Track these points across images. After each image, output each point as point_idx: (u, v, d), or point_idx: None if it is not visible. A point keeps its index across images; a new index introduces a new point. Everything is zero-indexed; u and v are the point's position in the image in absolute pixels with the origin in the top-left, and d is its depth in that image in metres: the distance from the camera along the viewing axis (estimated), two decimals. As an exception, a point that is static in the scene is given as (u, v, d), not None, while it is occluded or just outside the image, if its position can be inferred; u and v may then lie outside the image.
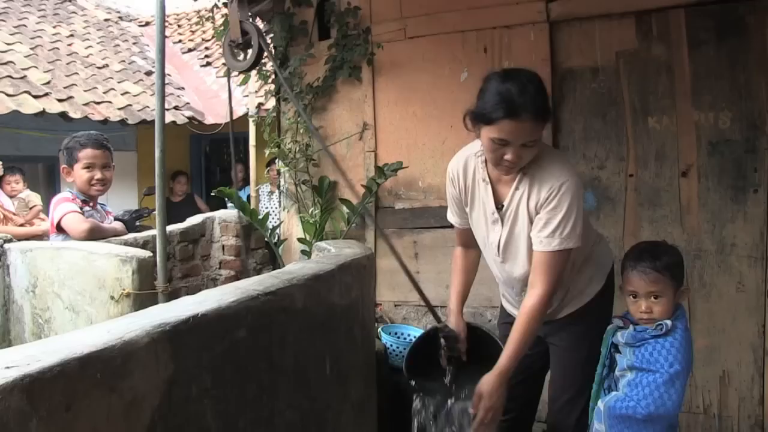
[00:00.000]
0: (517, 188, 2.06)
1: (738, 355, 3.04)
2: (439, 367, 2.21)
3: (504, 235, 2.13)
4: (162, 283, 2.47)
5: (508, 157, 1.93)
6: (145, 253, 2.41)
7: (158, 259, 2.52)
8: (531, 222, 2.06)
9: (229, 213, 3.90)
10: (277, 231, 3.83)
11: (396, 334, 3.30)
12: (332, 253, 2.01)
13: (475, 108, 1.96)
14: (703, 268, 3.05)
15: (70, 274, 2.49)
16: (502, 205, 2.11)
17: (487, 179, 2.12)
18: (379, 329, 3.22)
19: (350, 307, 1.83)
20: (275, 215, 4.94)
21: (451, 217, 2.35)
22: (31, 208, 5.21)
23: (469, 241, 2.32)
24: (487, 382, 1.99)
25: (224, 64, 3.42)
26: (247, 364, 1.35)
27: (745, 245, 2.99)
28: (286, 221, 3.86)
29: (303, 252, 3.48)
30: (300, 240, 3.59)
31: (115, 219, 3.21)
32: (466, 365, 2.21)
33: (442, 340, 2.17)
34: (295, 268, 1.68)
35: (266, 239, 3.76)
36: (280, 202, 3.89)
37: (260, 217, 3.63)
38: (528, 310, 2.00)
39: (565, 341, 2.25)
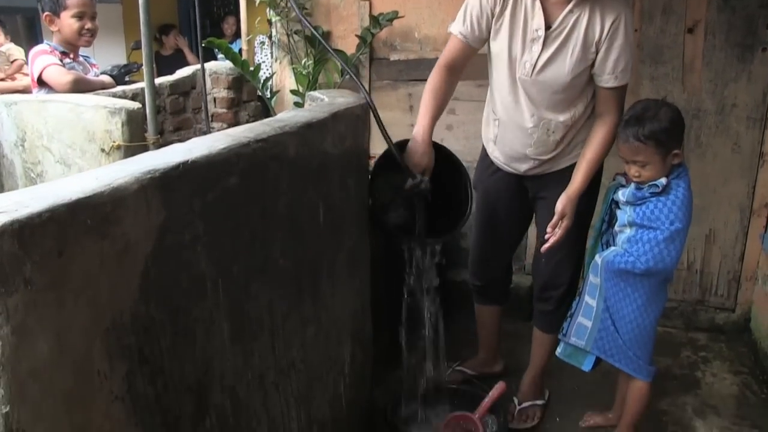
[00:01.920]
0: (571, 11, 2.01)
1: (726, 215, 3.09)
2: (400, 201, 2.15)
3: (545, 57, 2.07)
4: (153, 135, 2.45)
5: None
6: (134, 105, 2.35)
7: (148, 110, 2.47)
8: (583, 49, 2.04)
9: (221, 65, 3.78)
10: (270, 83, 3.74)
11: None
12: (325, 102, 1.95)
13: None
14: (701, 129, 3.02)
15: (58, 128, 2.45)
16: (550, 26, 2.04)
17: None
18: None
19: (344, 156, 1.81)
20: (267, 67, 4.80)
21: (460, 26, 2.16)
22: (12, 62, 4.97)
23: (460, 60, 2.22)
24: (569, 202, 2.12)
25: None
26: (239, 212, 1.35)
27: (746, 106, 2.94)
28: (279, 73, 3.75)
29: (296, 104, 3.41)
30: (293, 92, 3.51)
31: (103, 74, 3.12)
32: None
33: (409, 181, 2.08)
34: (287, 116, 1.64)
35: (258, 92, 3.67)
36: (272, 53, 3.75)
37: (252, 68, 3.52)
38: (602, 136, 2.13)
39: (558, 197, 2.25)
